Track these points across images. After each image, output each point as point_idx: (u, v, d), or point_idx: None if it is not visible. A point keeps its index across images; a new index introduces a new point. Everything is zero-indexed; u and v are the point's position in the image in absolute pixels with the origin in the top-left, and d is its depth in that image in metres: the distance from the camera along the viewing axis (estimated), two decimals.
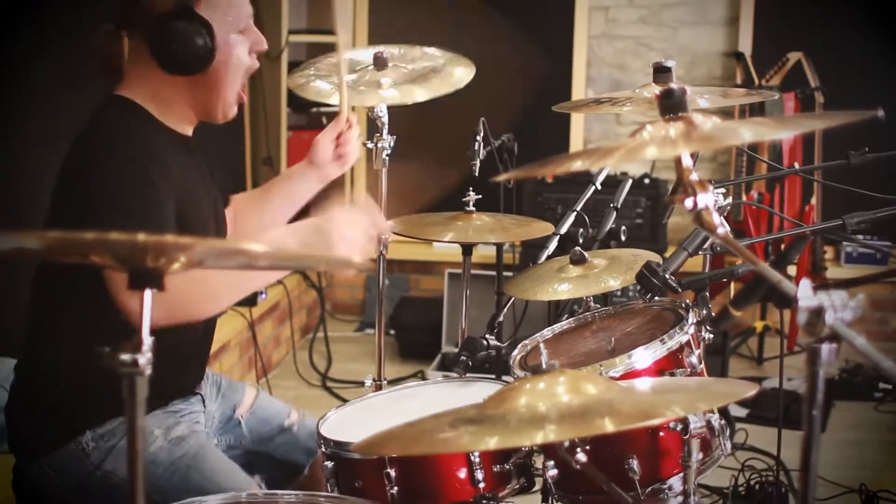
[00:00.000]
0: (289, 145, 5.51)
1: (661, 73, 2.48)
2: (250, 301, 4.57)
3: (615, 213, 2.88)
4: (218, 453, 2.25)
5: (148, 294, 1.32)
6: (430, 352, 5.03)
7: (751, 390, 1.62)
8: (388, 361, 5.11)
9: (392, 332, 5.35)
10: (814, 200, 4.85)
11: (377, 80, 2.81)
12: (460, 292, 4.82)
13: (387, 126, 2.87)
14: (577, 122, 5.60)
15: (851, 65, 5.14)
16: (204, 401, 2.35)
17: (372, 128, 2.82)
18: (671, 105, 1.53)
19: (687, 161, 1.50)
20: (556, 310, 2.85)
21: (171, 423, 2.21)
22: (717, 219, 1.47)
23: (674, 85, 1.52)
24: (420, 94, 2.77)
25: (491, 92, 5.44)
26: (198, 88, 2.15)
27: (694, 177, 1.48)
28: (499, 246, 3.41)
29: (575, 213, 2.88)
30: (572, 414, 1.58)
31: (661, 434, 2.01)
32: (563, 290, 2.40)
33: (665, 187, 4.96)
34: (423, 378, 4.73)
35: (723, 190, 2.62)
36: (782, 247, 4.18)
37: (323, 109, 5.59)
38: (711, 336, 2.69)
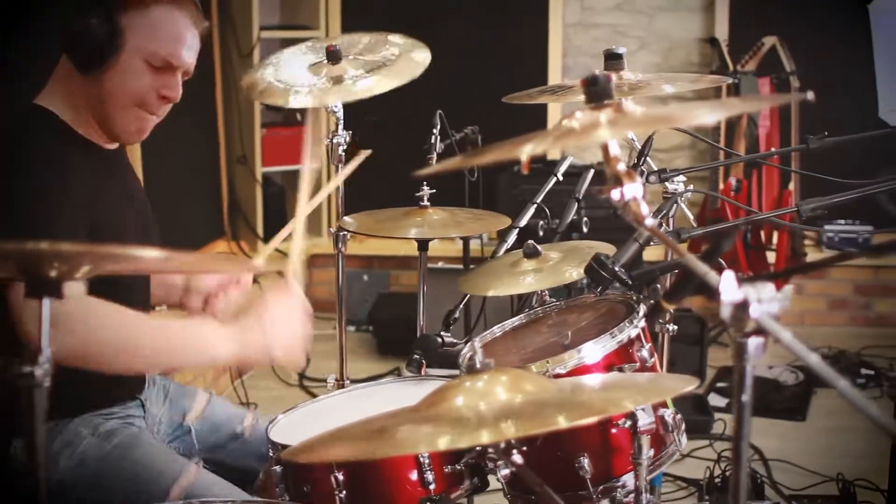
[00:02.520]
0: (263, 143, 5.45)
1: (612, 59, 2.42)
2: None
3: (577, 204, 2.83)
4: (152, 442, 2.20)
5: (46, 303, 1.27)
6: (409, 348, 4.96)
7: (691, 385, 1.57)
8: (365, 358, 5.11)
9: (370, 328, 5.30)
10: (792, 186, 4.80)
11: (337, 75, 2.74)
12: (437, 288, 4.81)
13: (342, 122, 2.83)
14: (555, 112, 5.54)
15: (826, 49, 5.08)
16: (144, 405, 2.29)
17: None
18: (596, 92, 1.47)
19: (614, 150, 1.45)
20: (519, 304, 2.80)
21: (98, 421, 2.16)
22: (644, 210, 1.41)
23: (598, 72, 1.46)
24: (379, 86, 2.67)
25: (462, 82, 5.40)
26: (95, 97, 2.11)
27: (621, 167, 1.43)
28: (465, 239, 3.36)
29: (535, 205, 2.83)
30: (510, 413, 1.53)
31: (613, 431, 1.97)
32: (514, 285, 2.35)
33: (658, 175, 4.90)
34: (399, 375, 4.67)
35: (682, 178, 2.57)
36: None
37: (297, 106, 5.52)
38: (675, 328, 2.65)
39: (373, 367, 4.89)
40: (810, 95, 1.46)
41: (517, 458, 1.62)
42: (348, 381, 2.89)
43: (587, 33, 5.64)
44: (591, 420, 1.54)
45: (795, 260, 4.66)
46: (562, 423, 1.46)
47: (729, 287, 1.24)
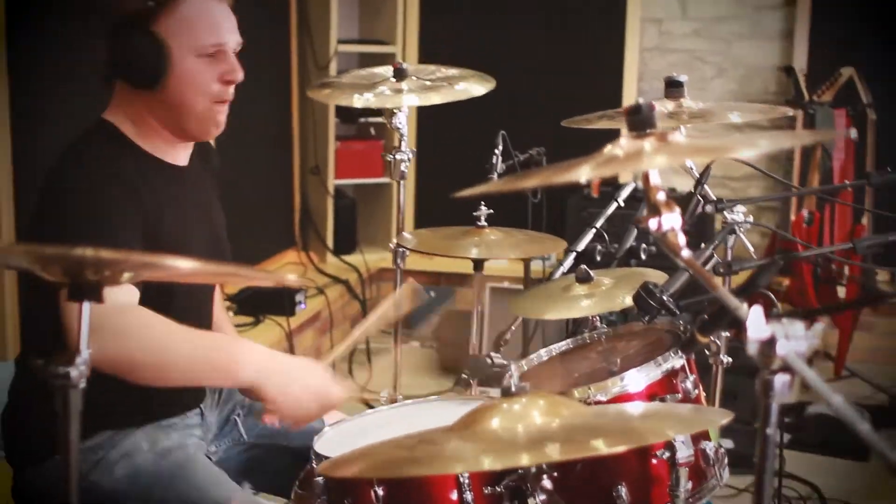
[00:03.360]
0: (336, 155, 5.51)
1: (672, 87, 2.42)
2: (288, 311, 4.57)
3: (637, 229, 2.81)
4: (206, 463, 2.23)
5: (86, 307, 1.30)
6: None
7: (725, 418, 1.56)
8: (427, 374, 5.13)
9: (434, 344, 5.32)
10: (865, 221, 4.72)
11: (397, 88, 2.82)
12: (503, 308, 4.81)
13: (405, 138, 2.86)
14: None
15: None
16: (203, 413, 2.34)
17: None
18: (639, 121, 1.47)
19: (655, 179, 1.44)
20: (572, 329, 2.79)
21: (159, 435, 2.21)
22: (682, 241, 1.41)
23: (641, 100, 1.46)
24: (436, 98, 2.82)
25: (536, 104, 5.41)
26: (162, 107, 2.15)
27: (661, 196, 1.43)
28: (526, 261, 3.36)
29: (594, 229, 2.82)
30: (545, 436, 1.54)
31: (653, 461, 1.95)
32: (565, 309, 2.35)
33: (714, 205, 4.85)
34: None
35: (743, 209, 2.55)
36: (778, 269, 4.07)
37: (371, 120, 5.59)
38: (730, 360, 2.63)
39: (435, 384, 4.90)
40: (853, 134, 1.44)
41: (547, 483, 1.62)
42: (401, 397, 2.91)
43: (664, 58, 5.61)
44: (626, 448, 1.53)
45: (865, 295, 4.57)
46: (599, 448, 1.46)
47: (756, 323, 1.23)
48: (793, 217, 4.83)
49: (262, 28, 4.94)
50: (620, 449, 1.46)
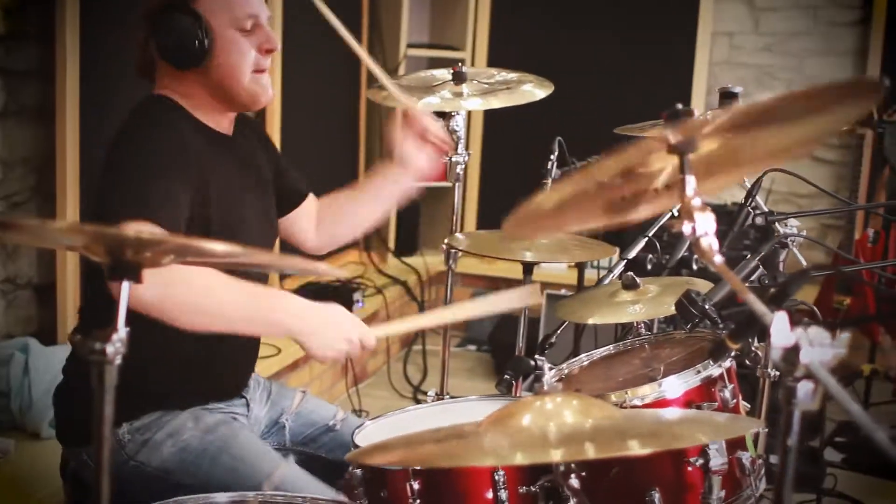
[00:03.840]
0: None
1: (727, 98, 2.41)
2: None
3: (689, 241, 2.81)
4: (250, 437, 2.28)
5: (125, 286, 1.34)
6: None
7: (754, 427, 1.56)
8: (482, 379, 5.15)
9: (489, 348, 5.34)
10: None
11: (457, 91, 2.84)
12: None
13: (462, 140, 2.88)
14: None
15: None
16: (249, 404, 2.39)
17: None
18: (675, 125, 1.48)
19: (691, 184, 1.45)
20: (622, 334, 2.80)
21: (204, 415, 2.26)
22: (715, 246, 1.42)
23: (679, 105, 1.47)
24: (495, 103, 2.83)
25: (602, 112, 5.41)
26: (210, 83, 2.22)
27: (696, 202, 1.44)
28: (580, 266, 3.37)
29: (646, 238, 2.82)
30: (574, 435, 1.55)
31: (688, 468, 1.95)
32: (610, 315, 2.35)
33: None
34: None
35: (797, 223, 2.53)
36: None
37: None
38: (777, 373, 2.61)
39: (488, 388, 4.91)
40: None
41: (574, 482, 1.64)
42: (448, 396, 2.93)
43: (733, 73, 5.58)
44: (654, 449, 1.54)
45: None
46: (629, 448, 1.47)
47: (781, 330, 1.24)
48: (857, 236, 4.77)
49: (333, 31, 4.98)
50: (650, 450, 1.47)
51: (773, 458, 3.46)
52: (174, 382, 2.24)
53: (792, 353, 1.23)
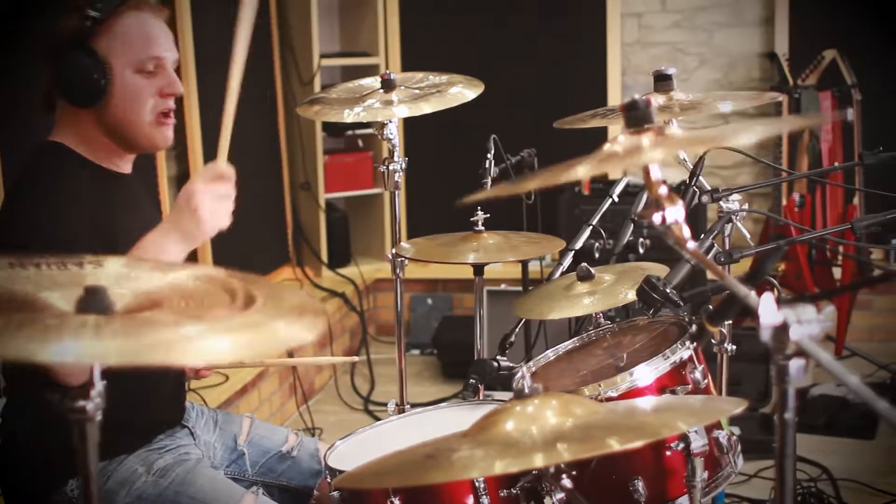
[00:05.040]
0: (326, 169, 5.51)
1: (661, 80, 2.42)
2: None
3: (633, 224, 2.82)
4: (208, 472, 2.24)
5: None
6: None
7: (738, 407, 1.56)
8: (430, 381, 5.14)
9: (434, 351, 5.32)
10: (856, 201, 4.74)
11: (387, 99, 2.81)
12: (501, 311, 4.81)
13: (398, 148, 2.86)
14: (615, 134, 5.53)
15: (888, 60, 5.01)
16: (193, 433, 2.34)
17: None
18: (636, 117, 1.48)
19: (656, 174, 1.45)
20: (576, 327, 2.80)
21: (153, 458, 2.21)
22: (686, 233, 1.42)
23: (637, 96, 1.46)
24: (427, 108, 2.77)
25: (521, 105, 5.43)
26: (107, 123, 2.18)
27: (662, 190, 1.43)
28: (523, 263, 3.36)
29: (591, 226, 2.83)
30: (561, 436, 1.54)
31: (667, 454, 1.96)
32: (569, 308, 2.35)
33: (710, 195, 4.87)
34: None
35: (738, 197, 2.55)
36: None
37: (359, 132, 5.60)
38: (734, 347, 2.64)
39: (437, 391, 4.91)
40: (850, 115, 1.45)
41: (567, 482, 1.63)
42: (408, 406, 2.91)
43: (646, 52, 5.62)
44: (642, 443, 1.53)
45: (862, 276, 4.58)
46: (614, 445, 1.47)
47: (768, 309, 1.24)
48: (784, 201, 4.84)
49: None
50: (637, 445, 1.47)
51: (734, 430, 3.51)
52: (111, 427, 2.17)
53: (781, 331, 1.24)
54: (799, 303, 1.24)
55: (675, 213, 1.42)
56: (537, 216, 3.50)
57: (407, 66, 5.59)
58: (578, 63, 5.55)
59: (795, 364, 1.25)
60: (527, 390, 1.62)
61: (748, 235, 2.70)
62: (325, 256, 5.55)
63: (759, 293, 1.28)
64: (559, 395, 1.67)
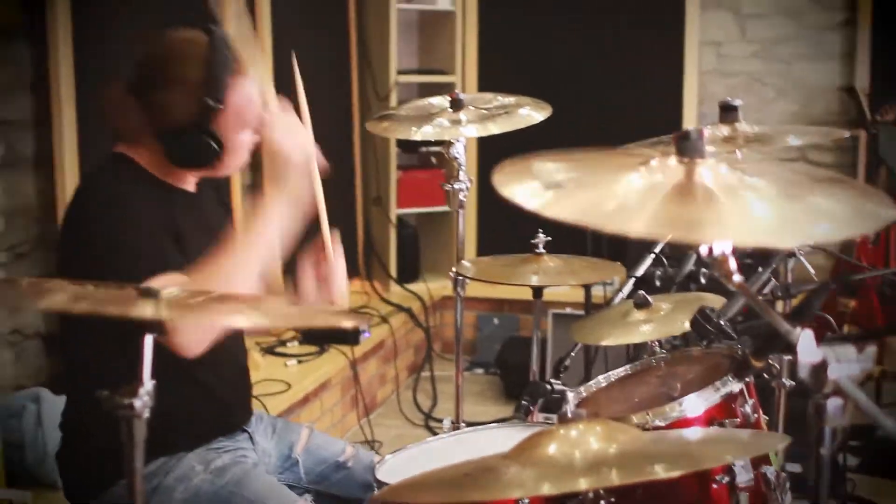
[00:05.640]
0: (398, 185, 5.56)
1: (727, 111, 2.42)
2: (352, 340, 4.61)
3: (696, 255, 2.82)
4: (264, 476, 2.27)
5: (148, 339, 1.35)
6: None
7: (783, 443, 1.56)
8: (492, 401, 5.15)
9: (497, 371, 5.33)
10: None
11: (455, 118, 2.84)
12: (566, 333, 4.80)
13: (463, 167, 2.88)
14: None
15: None
16: (252, 438, 2.38)
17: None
18: (687, 147, 1.48)
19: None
20: (633, 354, 2.80)
21: (212, 457, 2.25)
22: (733, 265, 1.42)
23: (691, 127, 1.47)
24: (494, 128, 2.81)
25: (595, 129, 5.42)
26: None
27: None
28: (587, 287, 3.38)
29: (653, 255, 2.83)
30: (602, 461, 1.55)
31: (713, 486, 1.95)
32: (624, 335, 2.36)
33: None
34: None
35: None
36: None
37: (432, 149, 5.63)
38: (792, 383, 2.62)
39: (498, 411, 4.91)
40: None
41: None
42: (463, 424, 2.93)
43: (723, 81, 5.59)
44: (683, 472, 1.53)
45: None
46: (658, 473, 1.47)
47: (808, 347, 1.24)
48: (857, 238, 4.78)
49: (322, 61, 5.01)
50: (677, 473, 1.46)
51: (790, 466, 3.47)
52: (175, 424, 2.22)
53: (820, 369, 1.24)
54: (840, 342, 1.24)
55: (721, 245, 1.42)
56: (602, 241, 3.51)
57: (483, 86, 5.63)
58: (654, 89, 5.53)
59: (833, 403, 1.25)
60: (570, 414, 1.63)
61: (812, 271, 2.67)
62: (394, 271, 5.60)
63: (808, 330, 1.28)
64: (604, 421, 1.67)
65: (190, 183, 2.32)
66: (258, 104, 2.24)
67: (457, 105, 2.87)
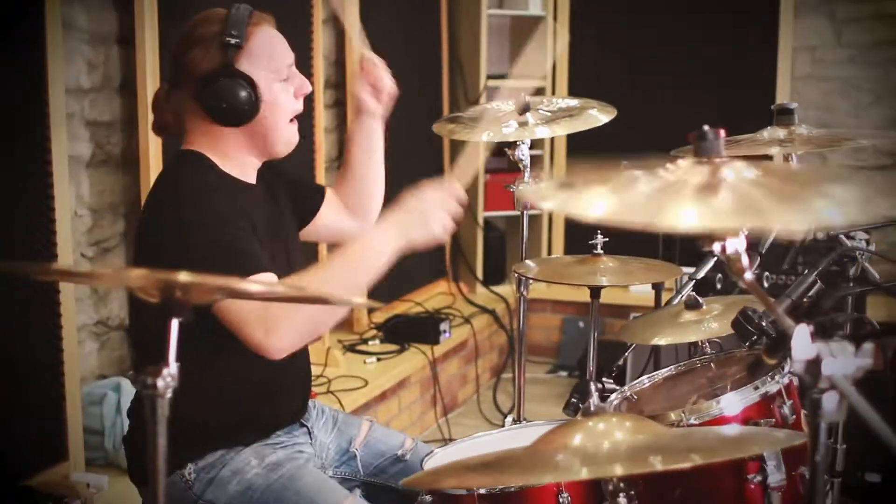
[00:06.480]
0: (486, 188, 5.61)
1: (782, 114, 2.41)
2: (432, 339, 4.67)
3: (759, 258, 2.81)
4: (315, 472, 2.32)
5: (175, 323, 1.41)
6: None
7: (798, 440, 1.56)
8: None
9: (580, 374, 5.33)
10: None
11: (522, 121, 2.89)
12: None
13: (528, 169, 2.92)
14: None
15: None
16: (311, 432, 2.44)
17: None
18: (704, 147, 1.50)
19: None
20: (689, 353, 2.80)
21: (267, 452, 2.30)
22: (745, 263, 1.43)
23: (707, 127, 1.49)
24: (560, 130, 2.90)
25: (684, 132, 5.37)
26: (251, 136, 2.28)
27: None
28: (657, 289, 3.37)
29: (714, 258, 2.83)
30: (625, 452, 1.57)
31: (751, 486, 1.96)
32: (674, 335, 2.37)
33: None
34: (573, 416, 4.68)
35: (865, 236, 2.52)
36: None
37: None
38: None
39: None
40: None
41: (623, 499, 1.65)
42: (524, 421, 2.96)
43: (817, 86, 5.51)
44: (704, 461, 1.53)
45: None
46: (694, 460, 1.48)
47: (802, 342, 1.25)
48: None
49: (414, 64, 5.09)
50: (679, 467, 1.47)
51: (869, 476, 3.41)
52: (234, 418, 2.29)
53: (813, 365, 1.25)
54: (838, 338, 1.25)
55: (735, 242, 1.44)
56: (675, 243, 3.50)
57: (573, 91, 5.65)
58: (747, 96, 5.47)
59: (829, 398, 1.26)
60: (592, 408, 1.65)
61: (877, 275, 2.64)
62: (480, 273, 5.64)
63: (803, 325, 1.29)
64: (633, 416, 1.70)
65: (252, 174, 2.36)
66: (289, 55, 2.29)
67: (523, 108, 2.91)
